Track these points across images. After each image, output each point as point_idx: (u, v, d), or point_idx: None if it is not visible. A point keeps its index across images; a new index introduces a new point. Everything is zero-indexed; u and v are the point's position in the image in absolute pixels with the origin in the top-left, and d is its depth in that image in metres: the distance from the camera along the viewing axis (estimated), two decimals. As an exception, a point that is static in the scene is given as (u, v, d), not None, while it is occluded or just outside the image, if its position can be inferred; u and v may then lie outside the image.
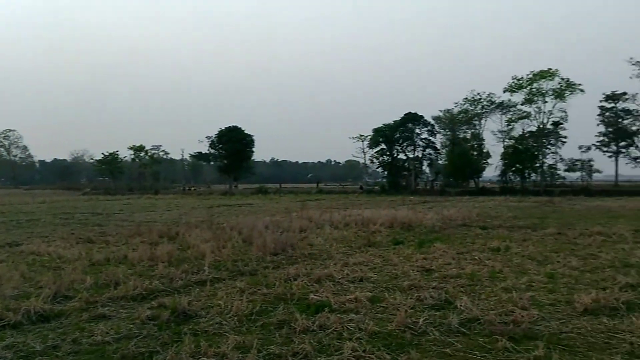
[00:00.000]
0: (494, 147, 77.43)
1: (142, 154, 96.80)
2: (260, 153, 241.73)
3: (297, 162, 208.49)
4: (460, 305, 7.37)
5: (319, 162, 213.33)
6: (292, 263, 11.56)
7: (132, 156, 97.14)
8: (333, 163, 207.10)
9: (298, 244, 14.10)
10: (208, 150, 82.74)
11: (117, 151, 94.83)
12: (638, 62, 63.54)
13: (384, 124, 74.79)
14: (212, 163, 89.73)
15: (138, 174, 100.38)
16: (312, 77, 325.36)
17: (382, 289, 8.77)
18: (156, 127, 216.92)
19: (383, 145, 74.82)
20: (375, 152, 76.38)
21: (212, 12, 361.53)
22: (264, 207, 35.68)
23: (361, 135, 79.82)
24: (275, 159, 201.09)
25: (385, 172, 77.47)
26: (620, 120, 67.78)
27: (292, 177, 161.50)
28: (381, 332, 6.40)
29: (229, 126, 79.78)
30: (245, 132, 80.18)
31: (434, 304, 7.69)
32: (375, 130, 74.77)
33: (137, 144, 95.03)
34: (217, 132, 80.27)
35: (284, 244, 13.49)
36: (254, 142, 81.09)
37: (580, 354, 5.63)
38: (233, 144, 77.74)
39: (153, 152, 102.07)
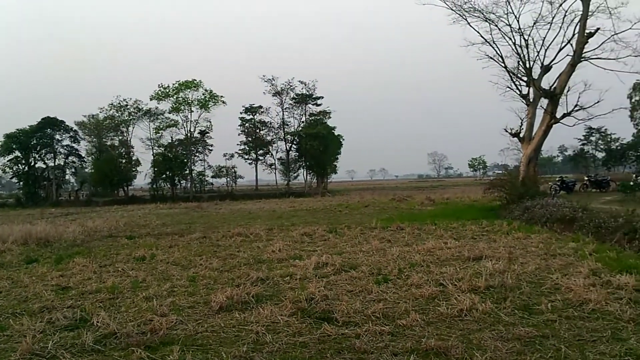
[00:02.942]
0: (144, 154, 77.25)
1: None
2: None
3: None
4: (97, 322, 6.96)
5: None
6: None
7: None
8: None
9: None
10: None
11: None
12: (269, 79, 72.64)
13: (17, 129, 65.87)
14: None
15: None
16: None
17: (7, 316, 7.72)
18: None
19: (17, 153, 65.90)
20: (8, 161, 66.56)
21: None
22: None
23: (-14, 142, 67.72)
24: None
25: (21, 183, 68.31)
26: (257, 130, 76.03)
27: None
28: (1, 366, 5.56)
29: None
30: None
31: (67, 324, 7.11)
32: (7, 136, 65.02)
33: None
34: None
35: None
36: None
37: (212, 350, 5.95)
38: None
39: None
